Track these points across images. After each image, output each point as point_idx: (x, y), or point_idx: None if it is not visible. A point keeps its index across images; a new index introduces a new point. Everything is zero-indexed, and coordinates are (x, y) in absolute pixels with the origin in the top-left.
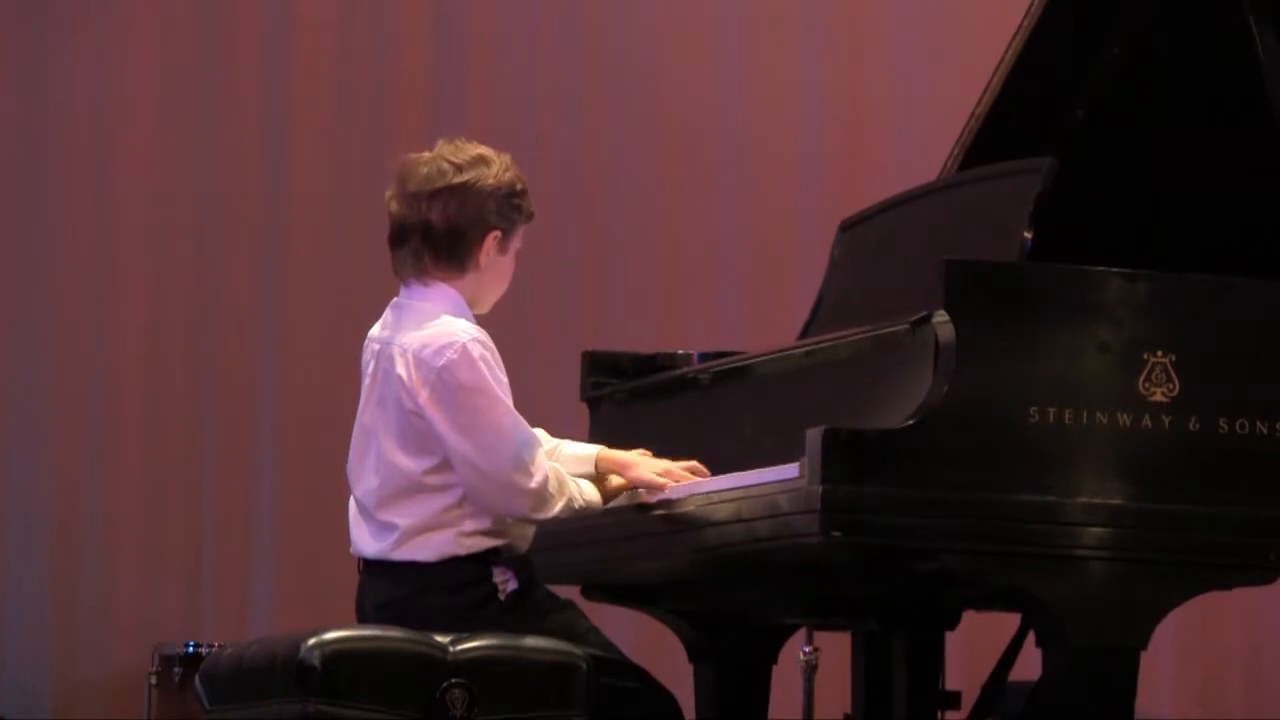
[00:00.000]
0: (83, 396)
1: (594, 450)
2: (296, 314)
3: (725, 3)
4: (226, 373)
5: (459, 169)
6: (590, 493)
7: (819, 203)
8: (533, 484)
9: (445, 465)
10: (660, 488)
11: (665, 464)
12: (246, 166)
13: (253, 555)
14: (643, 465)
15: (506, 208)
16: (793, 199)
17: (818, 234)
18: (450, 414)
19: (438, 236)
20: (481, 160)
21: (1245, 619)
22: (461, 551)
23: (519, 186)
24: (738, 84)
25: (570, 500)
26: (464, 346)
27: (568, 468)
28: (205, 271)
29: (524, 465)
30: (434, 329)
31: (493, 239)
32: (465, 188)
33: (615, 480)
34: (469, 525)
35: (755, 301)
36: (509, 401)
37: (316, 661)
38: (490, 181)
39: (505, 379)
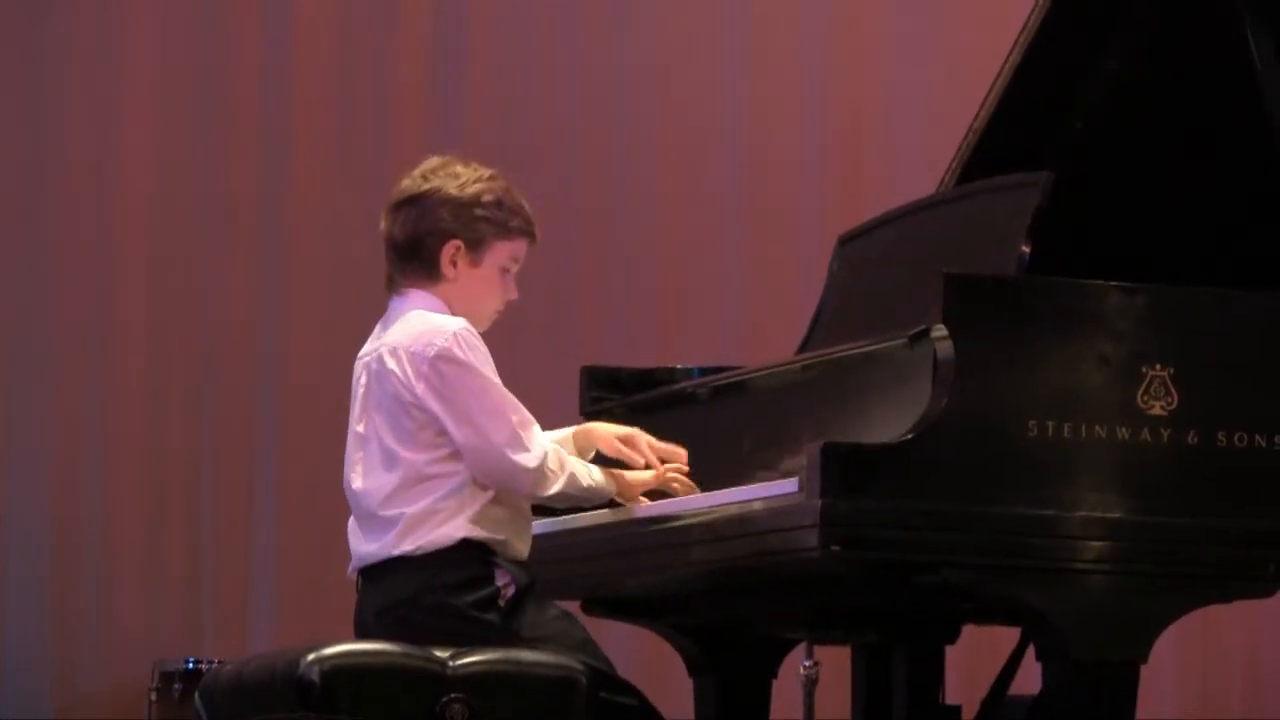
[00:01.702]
0: (82, 413)
1: (569, 431)
2: (297, 325)
3: (724, 17)
4: (226, 386)
5: (426, 180)
6: (599, 476)
7: (817, 217)
8: (532, 462)
9: (448, 456)
10: (634, 464)
11: (629, 430)
12: (246, 169)
13: (253, 571)
14: (610, 429)
15: (466, 217)
16: (791, 213)
17: (816, 248)
18: (448, 404)
19: (401, 246)
20: (451, 174)
21: (1245, 623)
22: (461, 534)
23: (487, 198)
24: (737, 98)
25: (574, 478)
26: (453, 335)
27: None
28: (206, 277)
29: (522, 444)
30: (418, 325)
31: (453, 248)
32: (425, 196)
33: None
34: (469, 511)
35: (754, 316)
36: (501, 385)
37: (316, 677)
38: (451, 191)
39: (492, 365)
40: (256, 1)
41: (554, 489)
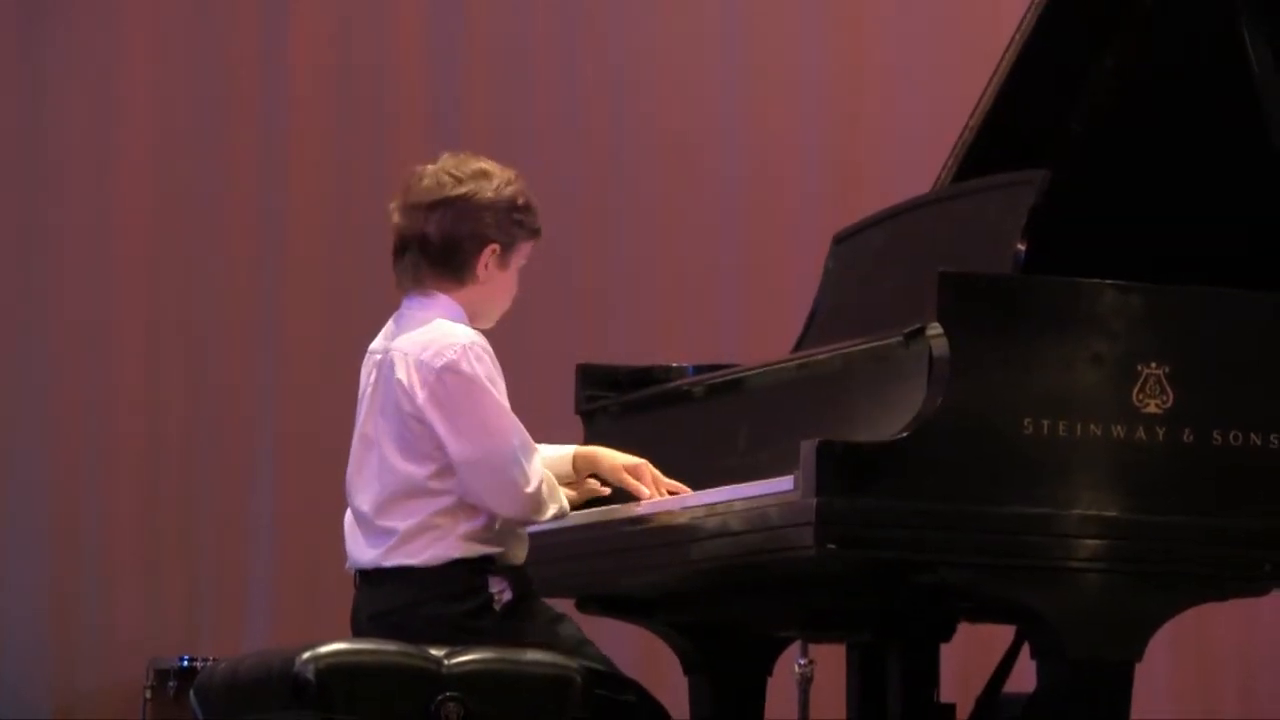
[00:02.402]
0: (82, 413)
1: (570, 450)
2: (295, 326)
3: (720, 19)
4: (224, 385)
5: (458, 181)
6: (563, 499)
7: (813, 215)
8: (530, 488)
9: (446, 470)
10: (640, 495)
11: (636, 461)
12: (246, 169)
13: (249, 569)
14: (617, 457)
15: (505, 222)
16: (787, 212)
17: (811, 246)
18: (449, 416)
19: (434, 248)
20: (483, 174)
21: (1240, 620)
22: (456, 554)
23: (520, 201)
24: (732, 98)
25: (560, 506)
26: (463, 349)
27: (548, 468)
28: (204, 282)
29: (522, 468)
30: (433, 334)
31: (490, 252)
32: (463, 200)
33: (593, 482)
34: (464, 528)
35: (749, 314)
36: (507, 405)
37: (311, 675)
38: (489, 195)
39: (503, 384)
40: (256, 2)
41: (546, 516)
